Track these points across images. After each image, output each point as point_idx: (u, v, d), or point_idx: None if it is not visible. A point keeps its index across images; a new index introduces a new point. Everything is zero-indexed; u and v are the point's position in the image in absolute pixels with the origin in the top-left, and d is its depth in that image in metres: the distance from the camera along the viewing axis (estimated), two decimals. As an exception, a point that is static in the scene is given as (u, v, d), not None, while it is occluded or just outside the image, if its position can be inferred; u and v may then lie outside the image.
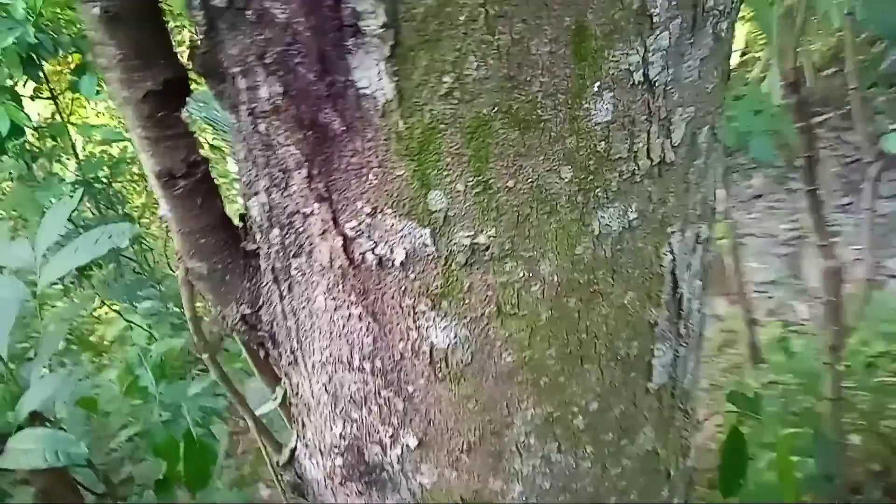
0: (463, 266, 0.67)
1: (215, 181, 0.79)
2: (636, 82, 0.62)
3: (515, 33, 0.57)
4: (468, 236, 0.65)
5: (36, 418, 1.30)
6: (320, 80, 0.61)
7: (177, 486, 1.36)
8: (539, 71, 0.58)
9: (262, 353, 0.91)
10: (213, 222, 0.80)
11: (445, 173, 0.63)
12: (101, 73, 0.66)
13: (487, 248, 0.66)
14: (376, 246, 0.68)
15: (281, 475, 1.00)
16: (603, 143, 0.63)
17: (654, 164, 0.67)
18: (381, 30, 0.57)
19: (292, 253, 0.74)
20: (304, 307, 0.78)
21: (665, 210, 0.71)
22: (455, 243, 0.66)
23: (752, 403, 1.74)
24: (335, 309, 0.75)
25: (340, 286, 0.73)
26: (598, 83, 0.60)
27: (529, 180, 0.63)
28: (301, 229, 0.71)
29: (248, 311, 0.84)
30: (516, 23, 0.56)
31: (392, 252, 0.68)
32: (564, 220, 0.65)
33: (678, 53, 0.64)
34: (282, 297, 0.79)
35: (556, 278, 0.68)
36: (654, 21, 0.60)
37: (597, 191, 0.65)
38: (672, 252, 0.73)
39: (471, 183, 0.63)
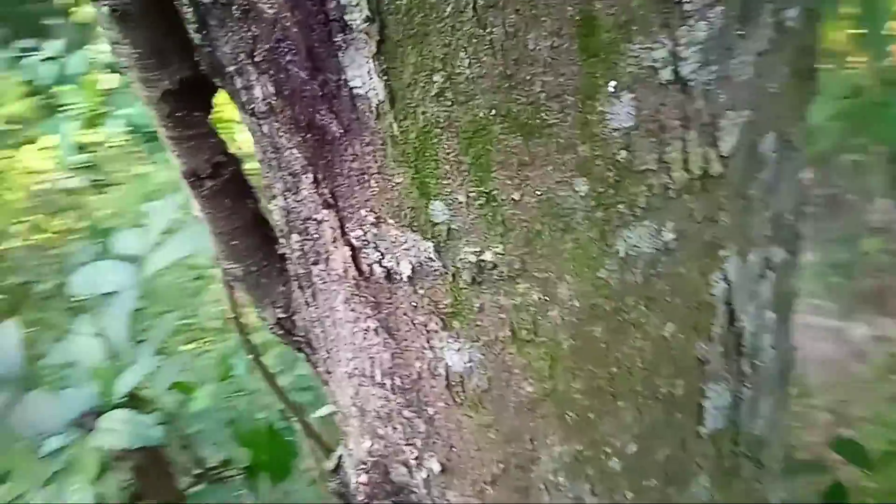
0: (471, 285, 0.61)
1: (247, 182, 0.77)
2: (664, 81, 0.53)
3: (509, 25, 0.50)
4: (474, 252, 0.59)
5: (133, 399, 1.38)
6: (312, 78, 0.57)
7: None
8: (540, 69, 0.51)
9: (304, 357, 0.89)
10: (245, 224, 0.78)
11: (445, 182, 0.57)
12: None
13: (496, 267, 0.59)
14: (383, 258, 0.63)
15: (328, 482, 0.98)
16: (624, 151, 0.54)
17: (694, 177, 0.57)
18: (366, 24, 0.52)
19: (312, 260, 0.71)
20: (328, 316, 0.75)
21: (715, 230, 0.61)
22: (461, 259, 0.60)
23: (860, 454, 1.45)
24: (355, 321, 0.71)
25: (357, 297, 0.69)
26: (614, 83, 0.52)
27: (538, 193, 0.56)
28: (316, 236, 0.68)
29: (283, 316, 0.83)
30: (509, 14, 0.49)
31: (398, 265, 0.63)
32: (582, 240, 0.57)
33: (723, 47, 0.54)
34: (307, 304, 0.77)
35: (576, 303, 0.60)
36: (686, 10, 0.51)
37: (619, 207, 0.56)
38: (726, 279, 0.63)
39: (473, 194, 0.57)
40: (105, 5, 0.61)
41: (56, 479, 1.32)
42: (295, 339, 0.84)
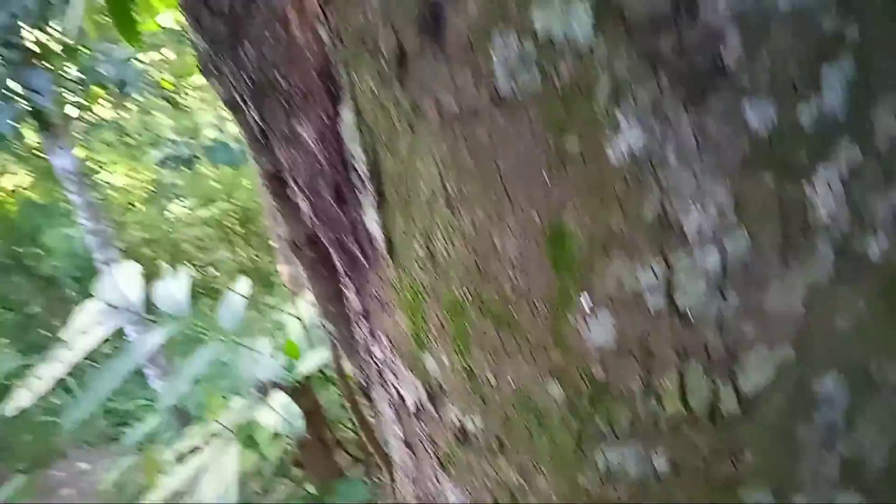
0: (458, 444, 0.59)
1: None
2: (654, 309, 0.45)
3: (476, 221, 0.46)
4: (457, 416, 0.57)
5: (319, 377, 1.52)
6: (341, 210, 0.58)
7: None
8: (508, 267, 0.47)
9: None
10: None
11: (434, 343, 0.55)
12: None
13: (476, 437, 0.56)
14: (396, 383, 0.63)
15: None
16: (600, 368, 0.48)
17: (696, 413, 0.48)
18: (368, 176, 0.52)
19: (364, 349, 0.73)
20: (381, 412, 0.77)
21: (732, 469, 0.51)
22: (448, 417, 0.58)
23: None
24: (393, 422, 0.72)
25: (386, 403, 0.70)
26: (588, 298, 0.46)
27: (512, 382, 0.52)
28: (360, 332, 0.70)
29: (364, 385, 0.86)
30: (476, 208, 0.46)
31: (405, 398, 0.62)
32: (559, 442, 0.52)
33: (749, 278, 0.44)
34: (368, 392, 0.80)
35: (555, 499, 0.55)
36: (689, 237, 0.43)
37: (598, 421, 0.50)
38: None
39: (456, 362, 0.54)
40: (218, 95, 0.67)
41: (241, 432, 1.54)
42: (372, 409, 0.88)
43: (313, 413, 1.43)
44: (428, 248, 0.50)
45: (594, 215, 0.43)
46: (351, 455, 1.63)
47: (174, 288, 1.63)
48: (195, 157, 5.40)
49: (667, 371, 0.47)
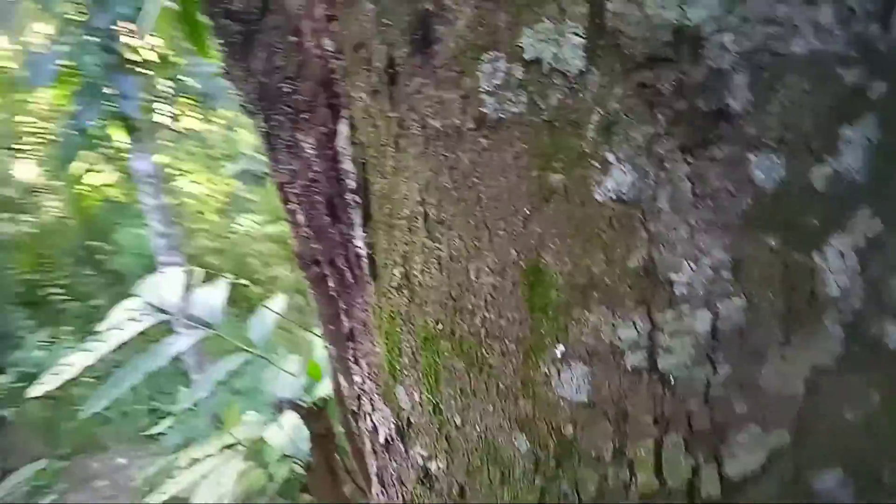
0: (421, 486, 0.55)
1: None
2: (633, 369, 0.41)
3: (454, 249, 0.43)
4: (422, 456, 0.53)
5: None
6: (332, 225, 0.57)
7: None
8: (482, 302, 0.44)
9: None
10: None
11: (405, 374, 0.52)
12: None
13: (439, 481, 0.53)
14: (371, 413, 0.61)
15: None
16: (570, 425, 0.44)
17: (671, 488, 0.44)
18: (356, 192, 0.50)
19: (348, 374, 0.71)
20: (363, 443, 0.74)
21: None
22: (414, 456, 0.55)
23: None
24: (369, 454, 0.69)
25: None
26: (562, 347, 0.42)
27: (478, 428, 0.48)
28: (349, 355, 0.68)
29: (355, 412, 0.84)
30: (454, 236, 0.43)
31: (378, 431, 0.59)
32: (521, 498, 0.48)
33: (744, 348, 0.40)
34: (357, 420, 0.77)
35: (517, 562, 0.51)
36: (677, 294, 0.39)
37: (563, 482, 0.46)
38: None
39: (424, 398, 0.51)
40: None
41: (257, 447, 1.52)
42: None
43: (325, 438, 1.40)
44: (406, 272, 0.47)
45: (575, 257, 0.40)
46: (357, 485, 1.59)
47: (212, 296, 1.65)
48: (267, 174, 5.55)
49: (643, 438, 0.43)
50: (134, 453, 5.76)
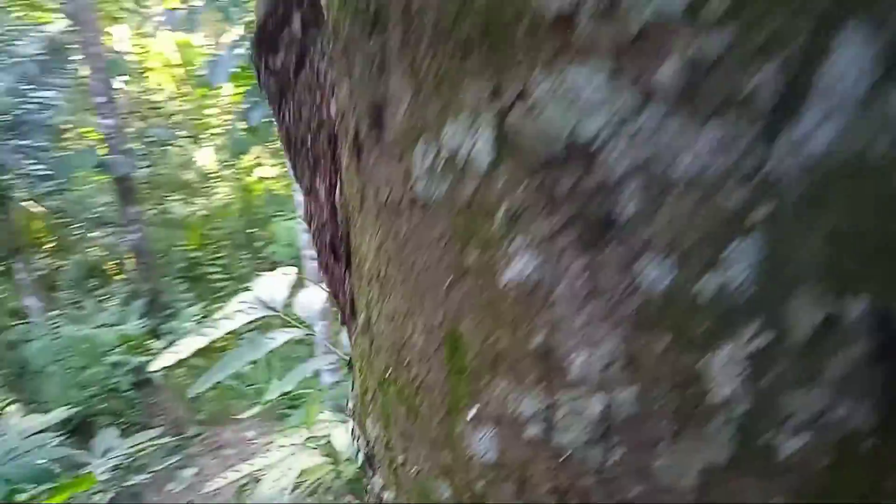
0: (382, 512, 0.60)
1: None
2: (532, 438, 0.44)
3: (396, 308, 0.49)
4: (382, 487, 0.59)
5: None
6: (335, 263, 0.63)
7: None
8: (416, 357, 0.48)
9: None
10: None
11: (370, 408, 0.58)
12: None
13: (392, 514, 0.58)
14: (353, 437, 0.66)
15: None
16: (482, 483, 0.48)
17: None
18: (340, 240, 0.57)
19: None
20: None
21: None
22: (375, 486, 0.60)
23: None
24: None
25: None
26: (474, 411, 0.46)
27: (414, 471, 0.53)
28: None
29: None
30: (397, 296, 0.48)
31: (358, 455, 0.65)
32: (446, 541, 0.52)
33: (640, 436, 0.42)
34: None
35: None
36: (573, 377, 0.42)
37: (477, 536, 0.49)
38: None
39: (381, 434, 0.56)
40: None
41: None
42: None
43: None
44: (368, 319, 0.53)
45: (486, 330, 0.44)
46: None
47: (313, 298, 1.78)
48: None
49: (545, 510, 0.46)
50: (262, 429, 6.15)
